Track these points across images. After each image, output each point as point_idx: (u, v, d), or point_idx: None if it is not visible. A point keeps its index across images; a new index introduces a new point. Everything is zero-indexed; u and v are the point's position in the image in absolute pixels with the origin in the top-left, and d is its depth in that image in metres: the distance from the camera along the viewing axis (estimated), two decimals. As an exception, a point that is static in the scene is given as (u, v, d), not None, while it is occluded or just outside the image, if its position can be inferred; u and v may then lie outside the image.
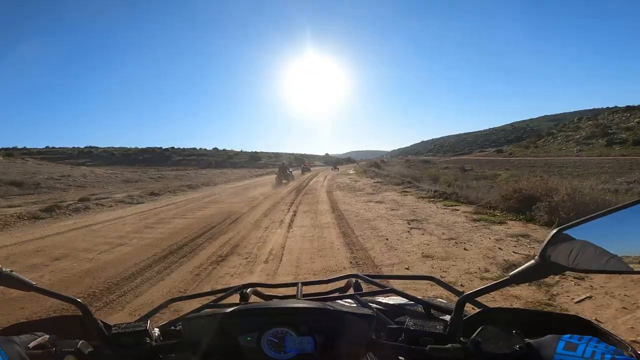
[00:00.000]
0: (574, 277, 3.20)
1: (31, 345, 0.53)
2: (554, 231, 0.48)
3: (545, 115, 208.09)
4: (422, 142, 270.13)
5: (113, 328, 0.59)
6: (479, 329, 0.50)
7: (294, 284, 0.84)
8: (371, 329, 0.55)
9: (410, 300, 0.72)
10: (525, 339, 0.48)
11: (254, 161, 73.22)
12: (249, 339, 0.54)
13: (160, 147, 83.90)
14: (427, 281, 0.86)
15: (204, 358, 0.56)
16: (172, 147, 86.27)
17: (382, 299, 0.80)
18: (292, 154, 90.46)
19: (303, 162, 34.41)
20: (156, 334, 0.61)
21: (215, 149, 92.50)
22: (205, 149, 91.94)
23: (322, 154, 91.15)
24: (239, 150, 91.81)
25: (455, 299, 0.58)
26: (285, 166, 21.66)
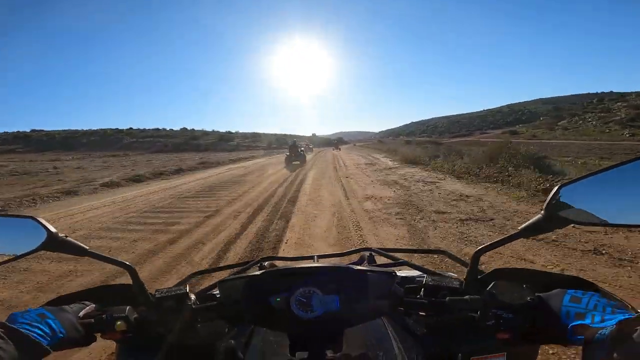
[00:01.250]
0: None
1: (81, 314, 0.56)
2: (557, 186, 0.50)
3: (540, 98, 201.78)
4: (412, 123, 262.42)
5: (156, 293, 0.61)
6: (492, 284, 0.53)
7: (311, 257, 0.88)
8: (393, 286, 0.58)
9: (423, 273, 0.72)
10: (536, 293, 0.52)
11: (224, 142, 61.62)
12: (278, 299, 0.56)
13: (115, 129, 70.72)
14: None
15: (239, 319, 0.60)
16: (131, 128, 73.58)
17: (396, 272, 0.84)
18: (274, 135, 77.69)
19: (296, 146, 20.57)
20: (193, 299, 0.63)
21: (184, 129, 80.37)
22: (170, 130, 79.77)
23: (309, 134, 78.82)
24: (210, 130, 79.95)
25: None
26: (297, 145, 19.12)
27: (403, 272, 0.82)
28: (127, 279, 0.63)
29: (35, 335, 0.46)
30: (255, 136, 71.70)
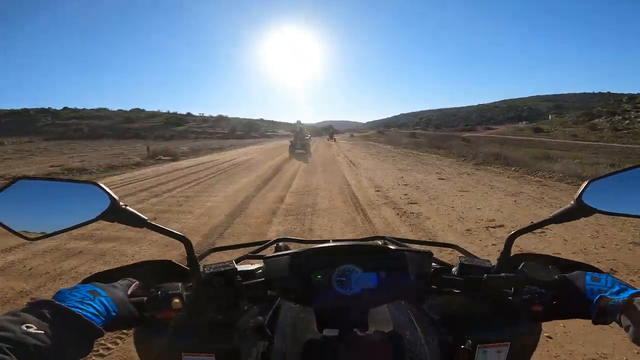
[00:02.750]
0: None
1: (129, 291, 0.52)
2: (588, 181, 0.57)
3: (537, 95, 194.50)
4: (402, 114, 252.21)
5: (204, 269, 0.59)
6: (523, 264, 0.57)
7: (326, 241, 0.85)
8: (431, 265, 0.61)
9: (436, 264, 0.72)
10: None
11: (170, 127, 45.92)
12: (319, 277, 0.57)
13: (41, 108, 54.70)
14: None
15: (282, 294, 0.60)
16: (49, 109, 57.80)
17: None
18: (247, 119, 61.93)
19: (302, 133, 17.90)
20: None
21: (121, 110, 63.53)
22: (104, 110, 62.21)
23: (293, 121, 63.45)
24: (156, 110, 62.56)
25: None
26: (304, 133, 17.19)
27: None
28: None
29: (88, 315, 0.41)
30: (219, 120, 56.12)
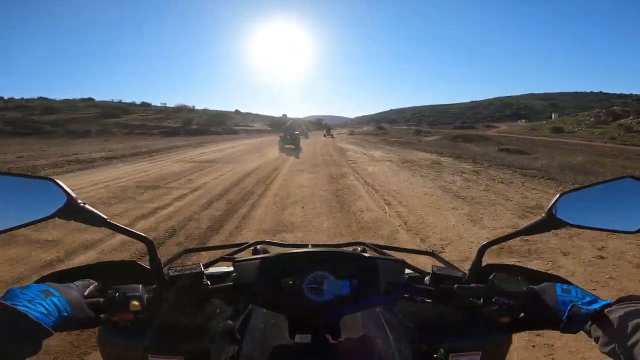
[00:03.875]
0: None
1: (86, 292, 0.51)
2: (559, 194, 0.57)
3: (529, 94, 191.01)
4: (391, 110, 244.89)
5: (169, 271, 0.58)
6: (493, 275, 0.57)
7: (305, 245, 0.86)
8: (402, 273, 0.61)
9: (415, 272, 0.74)
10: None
11: (102, 119, 32.84)
12: (291, 282, 0.56)
13: None
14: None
15: (251, 299, 0.59)
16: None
17: None
18: (217, 111, 49.26)
19: (293, 127, 16.73)
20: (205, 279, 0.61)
21: (42, 98, 49.74)
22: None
23: (278, 115, 51.27)
24: (93, 98, 47.26)
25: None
26: (294, 127, 16.85)
27: None
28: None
29: (36, 314, 0.40)
30: (179, 110, 44.10)
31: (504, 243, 0.64)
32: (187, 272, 0.56)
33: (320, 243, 0.94)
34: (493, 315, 0.54)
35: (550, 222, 0.57)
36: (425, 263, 0.80)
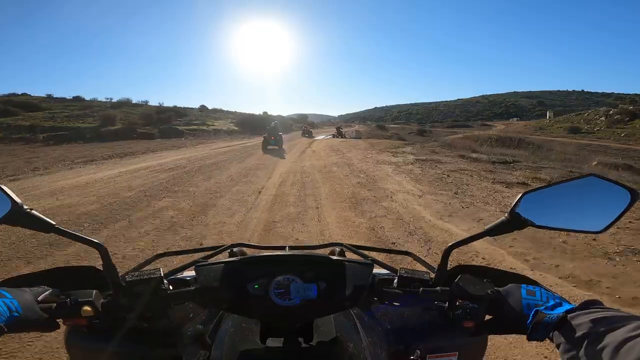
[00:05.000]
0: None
1: (40, 297, 0.51)
2: (521, 194, 0.56)
3: (516, 92, 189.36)
4: (376, 108, 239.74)
5: (127, 276, 0.57)
6: (459, 277, 0.56)
7: (282, 247, 0.87)
8: (370, 276, 0.60)
9: (389, 271, 0.75)
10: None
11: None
12: (257, 286, 0.55)
13: None
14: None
15: (214, 304, 0.58)
16: None
17: None
18: (167, 107, 36.24)
19: (276, 129, 16.28)
20: (166, 283, 0.60)
21: None
22: None
23: (259, 112, 41.24)
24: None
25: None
26: (277, 128, 16.46)
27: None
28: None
29: None
30: (119, 105, 32.58)
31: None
32: (146, 277, 0.56)
33: (298, 245, 0.95)
34: (457, 319, 0.54)
35: (513, 223, 0.56)
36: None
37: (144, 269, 0.60)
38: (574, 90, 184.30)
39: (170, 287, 0.58)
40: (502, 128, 65.09)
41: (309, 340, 0.55)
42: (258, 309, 0.56)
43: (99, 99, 37.63)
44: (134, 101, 37.34)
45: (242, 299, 0.55)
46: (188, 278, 0.64)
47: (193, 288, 0.57)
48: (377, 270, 0.79)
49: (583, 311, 0.44)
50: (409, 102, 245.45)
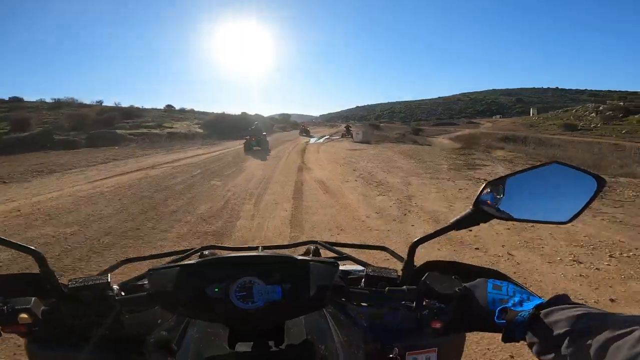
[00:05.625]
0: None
1: None
2: (485, 184, 0.55)
3: (494, 89, 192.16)
4: (357, 107, 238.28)
5: (70, 283, 0.56)
6: (426, 274, 0.55)
7: (255, 248, 0.87)
8: (335, 276, 0.57)
9: (364, 267, 0.73)
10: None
11: None
12: (217, 290, 0.53)
13: None
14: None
15: (170, 309, 0.56)
16: None
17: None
18: (119, 107, 29.98)
19: (259, 129, 15.81)
20: (116, 289, 0.58)
21: None
22: None
23: (237, 113, 35.74)
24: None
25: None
26: (260, 129, 15.96)
27: (347, 266, 0.80)
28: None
29: None
30: (57, 107, 25.14)
31: None
32: (90, 283, 0.55)
33: (272, 245, 0.92)
34: (425, 320, 0.53)
35: (478, 215, 0.55)
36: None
37: (96, 275, 0.58)
38: (549, 88, 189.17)
39: (123, 293, 0.57)
40: (490, 125, 63.37)
41: (280, 343, 0.54)
42: (219, 313, 0.53)
43: (47, 100, 31.39)
44: (86, 102, 31.38)
45: (201, 303, 0.53)
46: (138, 283, 0.62)
47: (145, 293, 0.55)
48: (352, 267, 0.78)
49: (555, 307, 0.42)
50: (391, 101, 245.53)
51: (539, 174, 0.53)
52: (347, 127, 25.58)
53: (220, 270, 0.55)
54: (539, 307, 0.43)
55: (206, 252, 0.86)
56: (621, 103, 44.26)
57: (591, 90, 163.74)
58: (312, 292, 0.54)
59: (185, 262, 0.57)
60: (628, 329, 0.34)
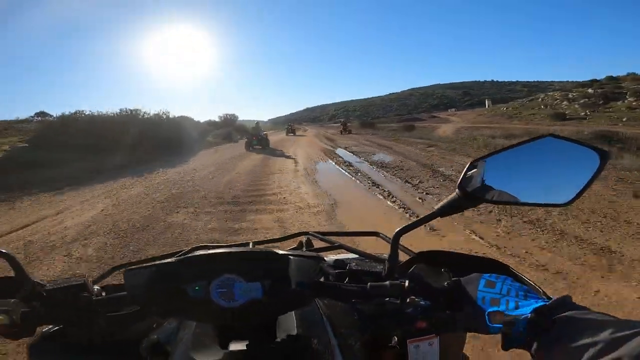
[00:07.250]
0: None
1: None
2: (469, 163, 0.49)
3: (438, 84, 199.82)
4: (307, 109, 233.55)
5: (48, 285, 0.56)
6: (413, 267, 0.53)
7: (246, 244, 0.86)
8: (318, 271, 0.55)
9: (357, 255, 0.72)
10: (453, 277, 0.51)
11: None
12: (197, 288, 0.52)
13: None
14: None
15: (148, 310, 0.55)
16: None
17: (332, 255, 0.82)
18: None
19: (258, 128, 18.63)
20: (96, 290, 0.58)
21: None
22: None
23: (176, 116, 26.67)
24: None
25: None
26: (259, 128, 18.06)
27: (340, 255, 0.78)
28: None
29: None
30: None
31: None
32: (67, 284, 0.55)
33: (264, 240, 0.93)
34: (409, 319, 0.50)
35: (463, 200, 0.49)
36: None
37: (66, 277, 0.59)
38: (485, 81, 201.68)
39: (104, 294, 0.57)
40: (459, 120, 61.12)
41: (272, 338, 0.53)
42: (201, 313, 0.53)
43: None
44: None
45: (181, 302, 0.52)
46: (119, 284, 0.62)
47: (123, 294, 0.55)
48: (345, 255, 0.76)
49: (565, 314, 0.36)
50: (344, 100, 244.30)
51: (531, 149, 0.46)
52: (344, 124, 27.74)
53: (199, 268, 0.52)
54: (539, 312, 0.37)
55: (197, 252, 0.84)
56: (599, 90, 43.79)
57: (522, 81, 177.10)
58: (293, 288, 0.51)
59: (163, 262, 0.55)
60: None
